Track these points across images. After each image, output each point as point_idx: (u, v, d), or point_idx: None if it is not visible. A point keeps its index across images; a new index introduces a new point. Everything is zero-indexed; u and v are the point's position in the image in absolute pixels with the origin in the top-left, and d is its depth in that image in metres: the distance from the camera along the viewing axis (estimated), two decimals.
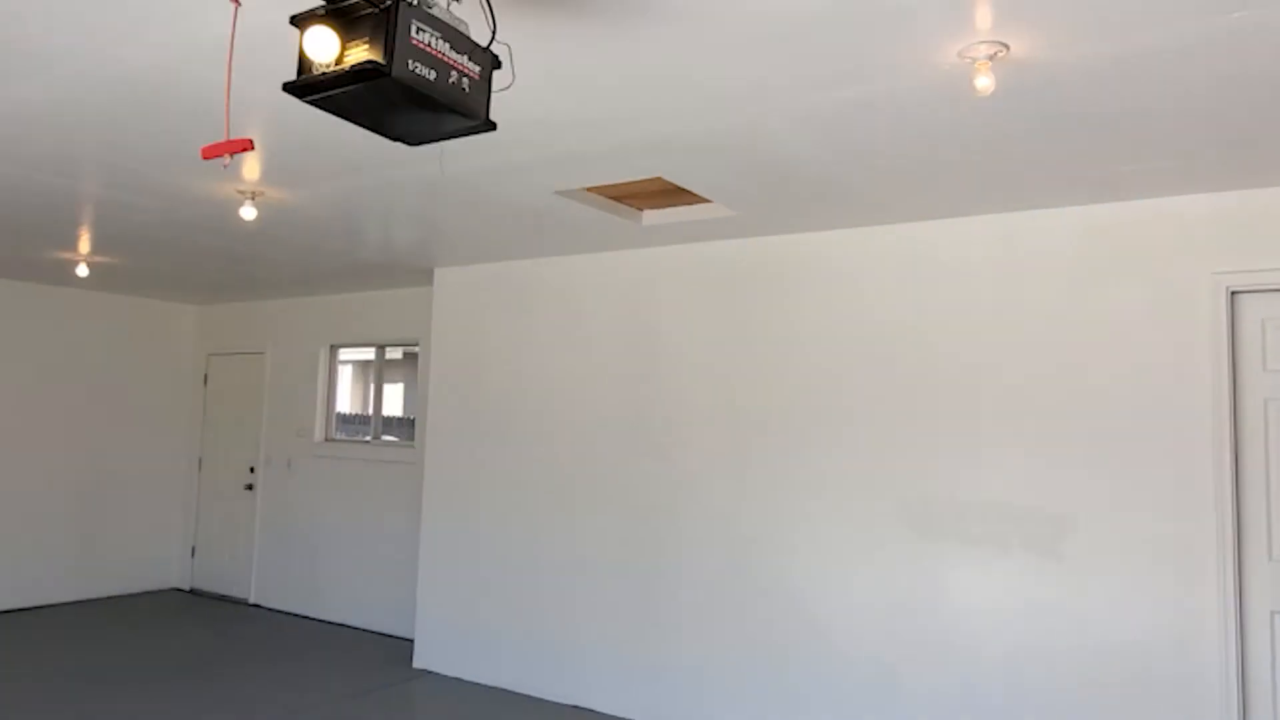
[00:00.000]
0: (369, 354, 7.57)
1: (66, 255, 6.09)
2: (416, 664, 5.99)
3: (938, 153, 3.42)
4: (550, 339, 5.66)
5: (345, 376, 7.82)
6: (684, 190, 4.30)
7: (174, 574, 8.44)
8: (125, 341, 8.04)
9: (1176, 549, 3.76)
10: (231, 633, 6.81)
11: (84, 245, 5.74)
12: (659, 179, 4.01)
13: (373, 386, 7.41)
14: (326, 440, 7.55)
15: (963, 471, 4.24)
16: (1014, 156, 3.44)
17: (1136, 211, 3.94)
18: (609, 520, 5.30)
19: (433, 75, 1.89)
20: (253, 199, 4.30)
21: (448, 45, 1.93)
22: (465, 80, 1.98)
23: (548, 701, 5.37)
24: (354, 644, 6.58)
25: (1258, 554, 3.68)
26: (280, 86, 2.52)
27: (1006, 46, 2.51)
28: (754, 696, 4.72)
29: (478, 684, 5.68)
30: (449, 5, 2.13)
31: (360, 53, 1.83)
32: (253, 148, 1.97)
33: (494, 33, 2.06)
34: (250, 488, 7.96)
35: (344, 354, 7.75)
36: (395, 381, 7.69)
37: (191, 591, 8.31)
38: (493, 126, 2.07)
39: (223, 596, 8.05)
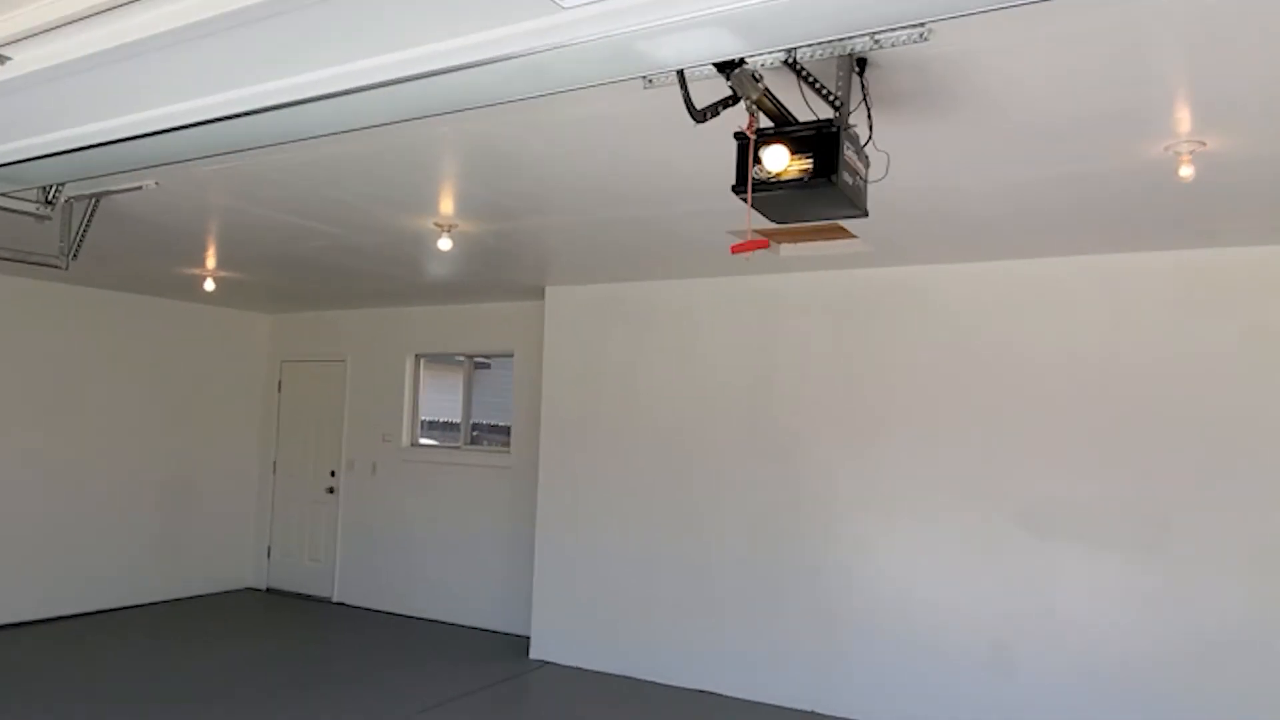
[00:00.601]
0: (459, 362, 7.96)
1: (197, 271, 6.39)
2: (534, 655, 6.45)
3: (1106, 211, 4.04)
4: (668, 355, 6.17)
5: (432, 384, 8.20)
6: (832, 226, 4.85)
7: (249, 574, 8.72)
8: (201, 349, 8.29)
9: (1266, 545, 4.45)
10: (326, 631, 7.17)
11: (224, 262, 6.07)
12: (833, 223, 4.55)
13: (462, 394, 7.82)
14: (413, 445, 7.93)
15: (1077, 477, 4.89)
16: (1165, 215, 4.07)
17: (1232, 257, 4.63)
18: (728, 522, 5.84)
19: (851, 181, 2.41)
20: (449, 231, 4.73)
21: (857, 157, 2.46)
22: (861, 180, 2.50)
23: (672, 686, 5.89)
24: (455, 639, 7.00)
25: None
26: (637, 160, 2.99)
27: (1204, 143, 3.13)
28: (886, 675, 5.31)
29: (599, 672, 6.17)
30: (869, 132, 2.66)
31: (805, 165, 2.35)
32: (768, 246, 2.49)
33: (871, 137, 2.59)
34: (332, 491, 8.29)
35: (431, 361, 8.13)
36: (484, 388, 8.09)
37: (268, 591, 8.60)
38: (867, 214, 2.60)
39: (303, 595, 8.37)
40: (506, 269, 5.98)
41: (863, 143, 2.52)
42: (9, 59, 1.89)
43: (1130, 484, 4.77)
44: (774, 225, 4.37)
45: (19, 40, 1.89)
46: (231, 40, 1.90)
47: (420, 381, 8.06)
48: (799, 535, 5.62)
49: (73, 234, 4.60)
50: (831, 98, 2.41)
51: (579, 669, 6.24)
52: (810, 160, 2.34)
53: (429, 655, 6.48)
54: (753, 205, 2.46)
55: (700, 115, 2.26)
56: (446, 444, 7.85)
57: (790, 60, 2.25)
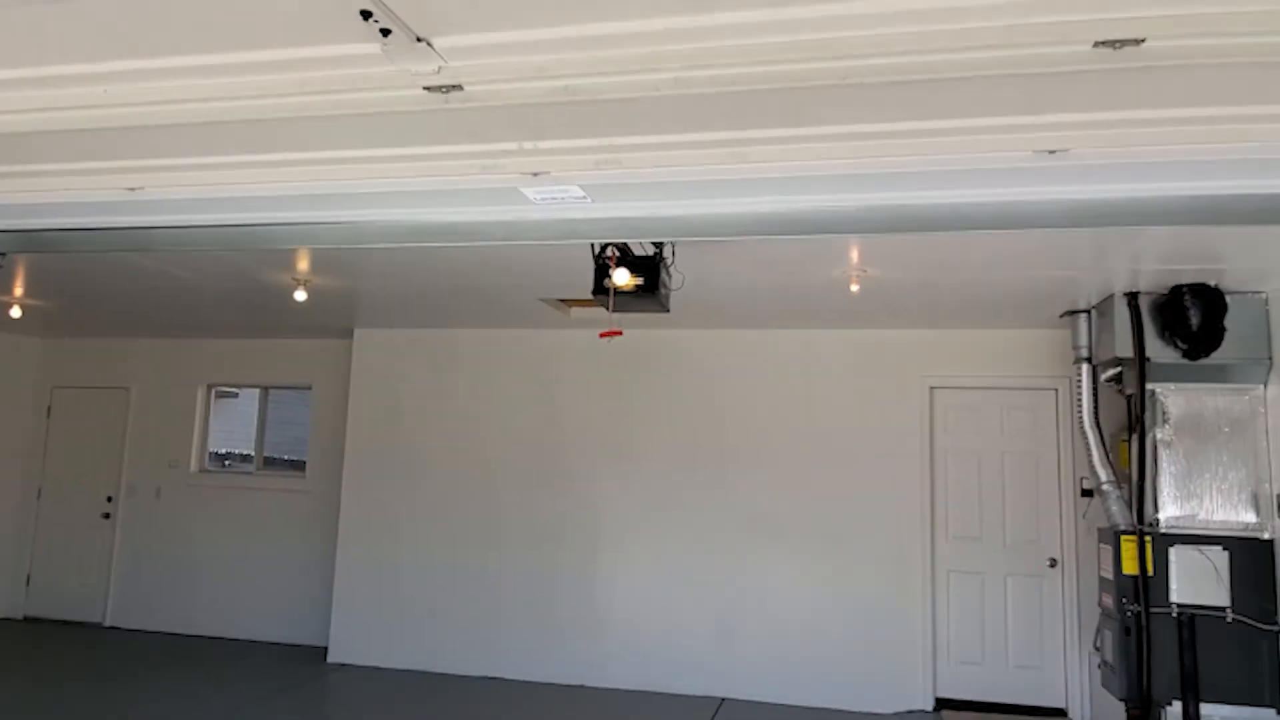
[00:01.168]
0: (252, 393, 8.45)
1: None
2: (332, 659, 7.17)
3: (806, 303, 5.80)
4: (467, 393, 7.27)
5: (224, 413, 8.56)
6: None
7: (2, 604, 8.47)
8: None
9: (900, 537, 6.43)
10: (100, 655, 7.38)
11: (36, 292, 6.33)
12: None
13: (256, 423, 8.33)
14: (202, 471, 8.29)
15: (780, 496, 6.64)
16: (837, 308, 5.91)
17: (884, 336, 6.63)
18: (515, 537, 7.03)
19: (665, 291, 3.81)
20: (304, 285, 5.57)
21: (668, 276, 3.87)
22: (668, 290, 3.91)
23: (463, 675, 6.92)
24: (249, 653, 7.51)
25: (942, 535, 6.47)
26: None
27: (866, 271, 4.91)
28: (639, 652, 6.72)
29: (396, 669, 7.04)
30: (672, 260, 4.05)
31: (639, 280, 3.71)
32: (621, 334, 3.76)
33: (674, 262, 4.02)
34: (108, 516, 8.37)
35: (223, 392, 8.52)
36: (280, 418, 8.57)
37: (25, 620, 8.42)
38: (669, 311, 4.01)
39: (69, 622, 8.32)
40: (318, 314, 6.80)
41: (670, 266, 3.93)
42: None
43: (814, 500, 6.59)
44: (593, 307, 5.72)
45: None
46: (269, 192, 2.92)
47: (210, 410, 8.45)
48: (573, 546, 6.93)
49: None
50: (657, 243, 3.80)
51: (376, 668, 7.07)
52: (642, 278, 3.71)
53: (221, 668, 6.98)
54: (597, 300, 3.78)
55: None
56: (239, 470, 8.30)
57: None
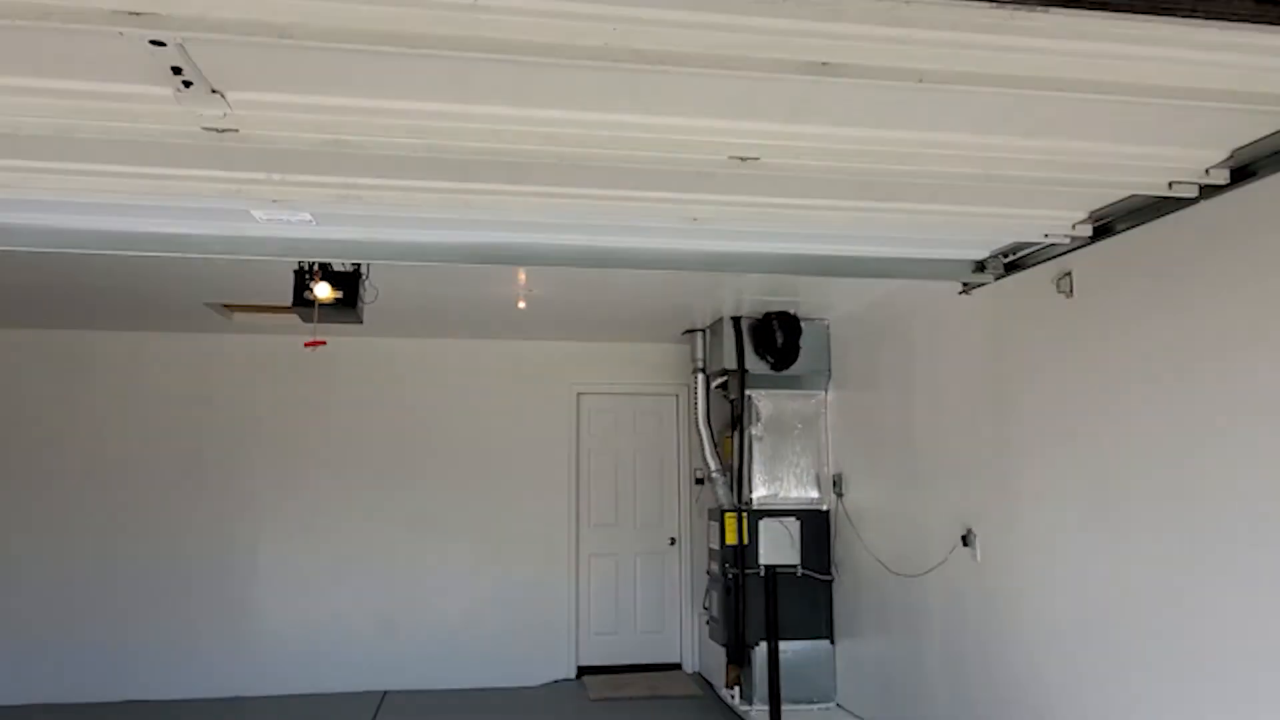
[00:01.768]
0: None
1: None
2: None
3: (478, 316, 6.34)
4: (107, 398, 6.77)
5: None
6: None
7: None
8: None
9: (551, 528, 7.23)
10: None
11: None
12: None
13: None
14: None
15: (443, 496, 7.12)
16: (503, 320, 6.55)
17: (540, 347, 7.41)
18: (159, 551, 6.71)
19: (361, 305, 4.17)
20: None
21: (368, 292, 4.22)
22: (364, 304, 4.26)
23: (98, 704, 6.44)
24: None
25: (585, 524, 7.39)
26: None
27: (532, 290, 5.60)
28: (299, 653, 6.76)
29: (14, 705, 6.35)
30: (367, 275, 4.35)
31: (339, 294, 4.04)
32: (326, 344, 3.95)
33: (369, 277, 4.37)
34: None
35: None
36: None
37: None
38: (362, 323, 4.35)
39: None
40: None
41: (366, 281, 4.28)
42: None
43: (476, 499, 7.17)
44: (257, 313, 5.77)
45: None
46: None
47: None
48: (227, 557, 6.80)
49: None
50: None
51: None
52: (342, 292, 4.04)
53: None
54: (296, 311, 4.04)
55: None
56: None
57: None
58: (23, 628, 6.47)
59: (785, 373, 6.37)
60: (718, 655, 6.58)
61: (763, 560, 6.23)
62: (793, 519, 6.30)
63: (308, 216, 3.06)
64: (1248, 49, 1.91)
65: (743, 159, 2.49)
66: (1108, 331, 3.38)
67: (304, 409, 7.04)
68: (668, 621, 7.53)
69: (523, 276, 5.23)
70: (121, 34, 1.76)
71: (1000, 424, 4.13)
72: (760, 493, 6.33)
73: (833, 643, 6.20)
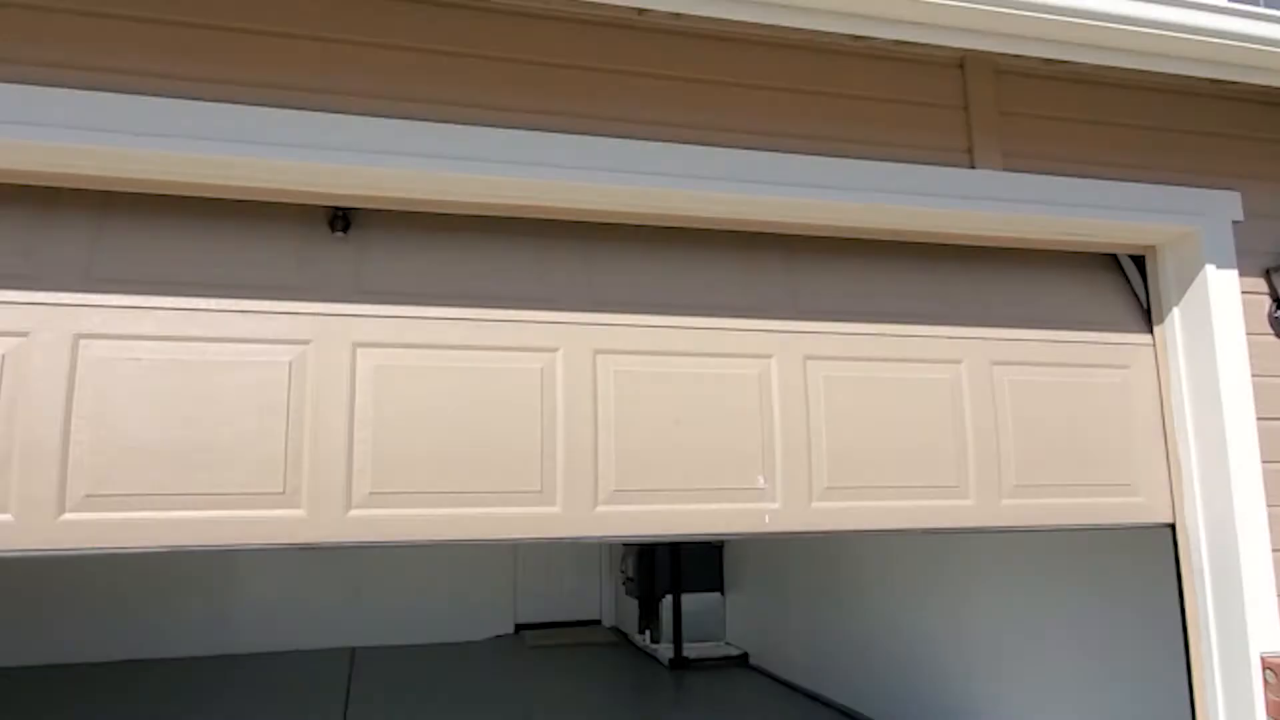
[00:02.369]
0: None
1: None
2: None
3: None
4: None
5: None
6: None
7: None
8: None
9: None
10: None
11: None
12: None
13: None
14: None
15: None
16: None
17: None
18: None
19: None
20: None
21: None
22: None
23: (90, 663, 7.56)
24: None
25: None
26: None
27: None
28: (263, 613, 8.01)
29: None
30: None
31: None
32: None
33: None
34: None
35: None
36: None
37: None
38: None
39: None
40: None
41: None
42: None
43: None
44: None
45: None
46: None
47: None
48: None
49: None
50: None
51: None
52: None
53: None
54: None
55: None
56: None
57: None
58: (14, 589, 7.51)
59: None
60: (631, 610, 8.17)
61: None
62: None
63: None
64: None
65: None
66: None
67: None
68: (589, 585, 9.08)
69: None
70: None
71: None
72: None
73: (723, 594, 7.86)
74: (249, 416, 2.08)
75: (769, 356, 2.46)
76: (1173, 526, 2.68)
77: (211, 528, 2.04)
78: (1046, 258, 2.78)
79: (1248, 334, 2.62)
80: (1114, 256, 2.87)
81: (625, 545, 8.25)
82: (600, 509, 2.32)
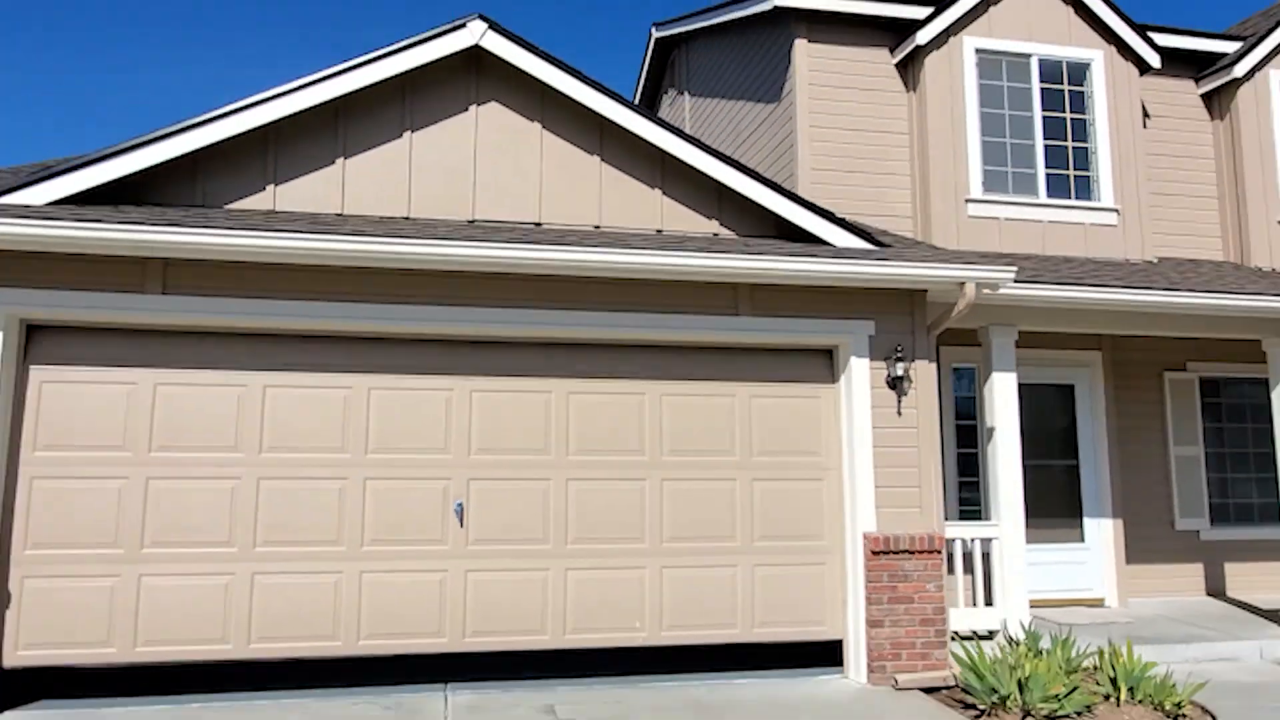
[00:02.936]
0: None
1: None
2: None
3: None
4: None
5: None
6: None
7: None
8: None
9: None
10: None
11: None
12: None
13: None
14: None
15: None
16: None
17: None
18: None
19: None
20: None
21: None
22: None
23: None
24: None
25: None
26: None
27: None
28: None
29: None
30: None
31: None
32: None
33: None
34: None
35: None
36: None
37: None
38: None
39: None
40: None
41: None
42: None
43: None
44: None
45: None
46: None
47: None
48: None
49: None
50: None
51: None
52: None
53: None
54: None
55: None
56: None
57: None
58: None
59: None
60: None
61: None
62: None
63: None
64: None
65: None
66: None
67: None
68: None
69: None
70: None
71: None
72: None
73: None
74: None
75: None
76: (837, 471, 6.03)
77: None
78: (782, 352, 6.08)
79: (872, 388, 5.96)
80: (822, 350, 6.16)
81: None
82: None
